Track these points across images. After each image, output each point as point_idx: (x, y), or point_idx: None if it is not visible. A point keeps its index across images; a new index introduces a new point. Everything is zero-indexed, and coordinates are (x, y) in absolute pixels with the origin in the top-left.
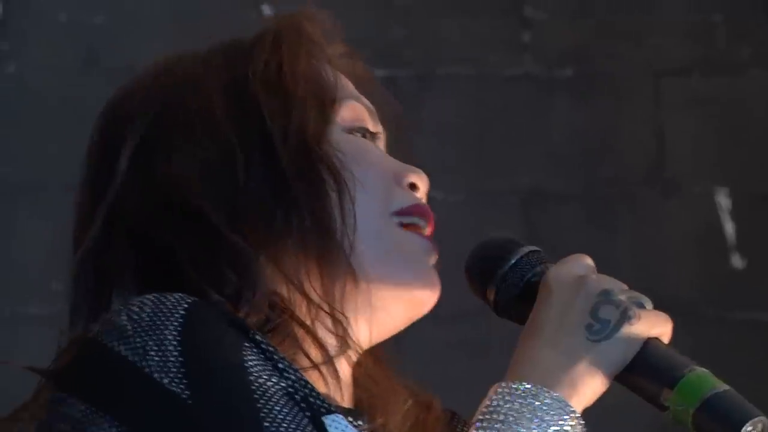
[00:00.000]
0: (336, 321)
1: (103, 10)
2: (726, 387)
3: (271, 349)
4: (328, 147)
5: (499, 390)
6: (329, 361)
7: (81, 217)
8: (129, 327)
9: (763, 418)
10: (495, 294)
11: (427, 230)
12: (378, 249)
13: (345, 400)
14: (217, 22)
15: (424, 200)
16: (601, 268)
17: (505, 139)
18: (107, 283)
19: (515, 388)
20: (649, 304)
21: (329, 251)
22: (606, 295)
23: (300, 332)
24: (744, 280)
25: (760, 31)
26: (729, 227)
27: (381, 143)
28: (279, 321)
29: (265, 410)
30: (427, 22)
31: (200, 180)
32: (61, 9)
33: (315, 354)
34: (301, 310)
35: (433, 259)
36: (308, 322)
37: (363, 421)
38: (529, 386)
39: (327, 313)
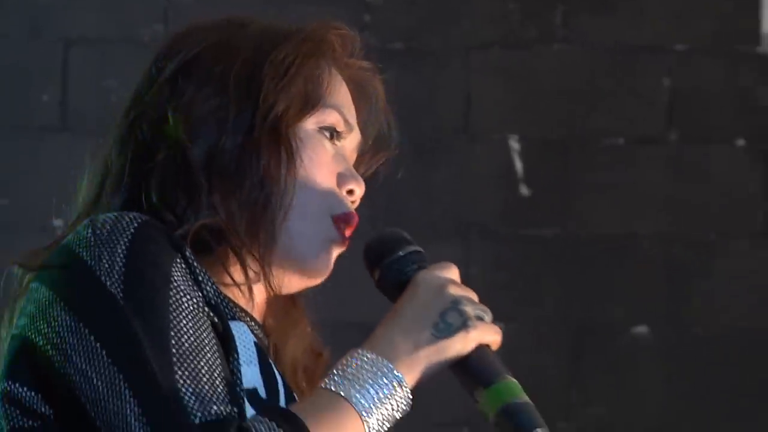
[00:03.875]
0: (254, 258)
1: None
2: (526, 400)
3: (195, 265)
4: (293, 134)
5: (354, 355)
6: (246, 282)
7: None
8: (92, 239)
9: (543, 429)
10: (378, 276)
11: (347, 232)
12: (301, 227)
13: (256, 314)
14: (142, 0)
15: (355, 204)
16: (422, 198)
17: None
18: (104, 182)
19: (365, 354)
20: (488, 317)
21: (262, 212)
22: (456, 304)
23: (229, 256)
24: (530, 205)
25: (544, 16)
26: (519, 165)
27: (352, 143)
28: (214, 245)
29: (173, 324)
30: (282, 7)
31: (197, 121)
32: None
33: (237, 275)
34: (231, 242)
35: (337, 250)
36: (237, 251)
37: (262, 333)
38: (375, 356)
39: (248, 251)
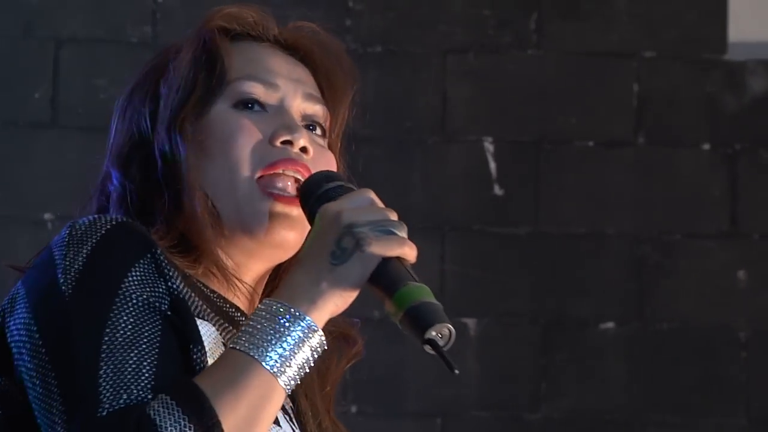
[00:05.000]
0: (207, 253)
1: None
2: (429, 300)
3: (165, 264)
4: (205, 124)
5: (260, 306)
6: (219, 272)
7: None
8: (67, 238)
9: (448, 325)
10: (306, 212)
11: (300, 175)
12: (236, 204)
13: (241, 303)
14: (131, 2)
15: (309, 153)
16: (399, 196)
17: None
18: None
19: (269, 305)
20: (402, 231)
21: (199, 209)
22: (350, 227)
23: (199, 252)
24: (502, 204)
25: (518, 22)
26: (492, 165)
27: (291, 97)
28: (187, 247)
29: (111, 321)
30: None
31: (129, 153)
32: None
33: (210, 264)
34: (190, 243)
35: (283, 205)
36: (198, 249)
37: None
38: (278, 304)
39: (207, 247)
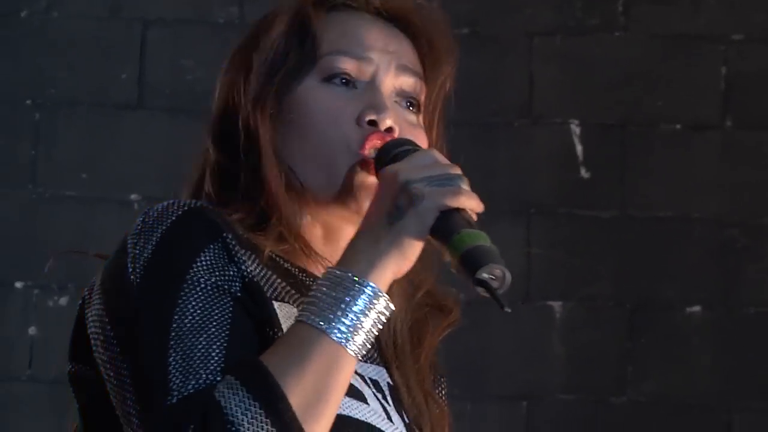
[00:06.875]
0: (286, 220)
1: None
2: (482, 244)
3: (237, 248)
4: (293, 99)
5: (321, 276)
6: (296, 240)
7: None
8: (141, 225)
9: (498, 265)
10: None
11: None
12: (330, 183)
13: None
14: None
15: (394, 132)
16: (485, 179)
17: None
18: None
19: (330, 273)
20: (463, 184)
21: (269, 184)
22: (406, 185)
23: (278, 227)
24: (589, 187)
25: (605, 5)
26: (579, 148)
27: (383, 70)
28: (266, 221)
29: (179, 307)
30: None
31: (223, 121)
32: None
33: (293, 240)
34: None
35: (371, 179)
36: (288, 225)
37: None
38: (338, 271)
39: (285, 223)
